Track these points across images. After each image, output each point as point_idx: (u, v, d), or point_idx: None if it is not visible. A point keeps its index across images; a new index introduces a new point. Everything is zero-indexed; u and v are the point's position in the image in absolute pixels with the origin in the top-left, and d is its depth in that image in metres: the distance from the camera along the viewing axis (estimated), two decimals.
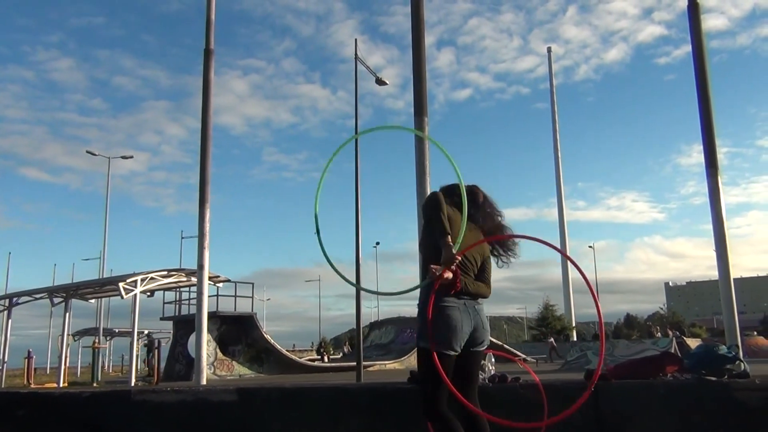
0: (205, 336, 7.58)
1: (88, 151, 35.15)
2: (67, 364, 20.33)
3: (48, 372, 43.53)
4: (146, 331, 32.81)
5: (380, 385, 5.60)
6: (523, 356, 31.68)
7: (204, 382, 7.07)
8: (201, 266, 7.60)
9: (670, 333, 36.49)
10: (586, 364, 23.56)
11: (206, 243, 7.63)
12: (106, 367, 28.59)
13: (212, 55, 8.16)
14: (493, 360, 5.56)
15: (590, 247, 64.72)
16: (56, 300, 17.22)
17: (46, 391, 5.82)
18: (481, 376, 5.27)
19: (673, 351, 21.63)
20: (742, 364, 5.18)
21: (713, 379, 4.92)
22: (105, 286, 17.59)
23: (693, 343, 30.99)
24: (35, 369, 44.06)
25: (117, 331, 34.77)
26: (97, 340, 20.58)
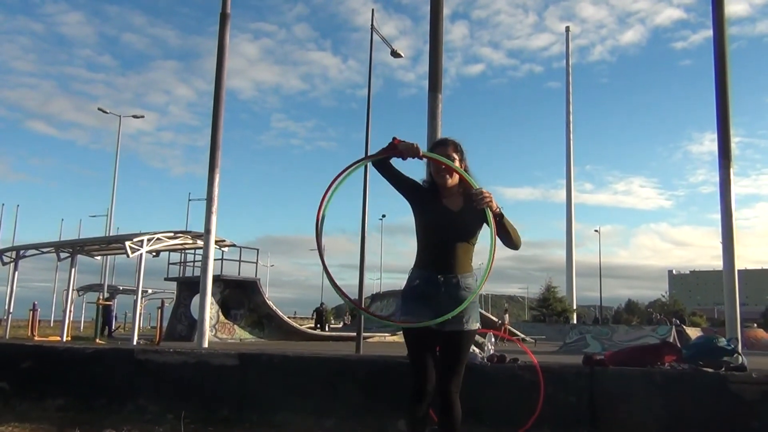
0: (209, 299, 7.65)
1: (99, 109, 35.12)
2: (71, 319, 20.57)
3: (52, 324, 44.05)
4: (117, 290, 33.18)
5: (378, 358, 5.66)
6: (522, 336, 31.82)
7: (206, 345, 7.15)
8: (208, 230, 7.64)
9: (669, 323, 36.61)
10: (585, 347, 23.63)
11: (214, 208, 7.66)
12: (112, 321, 28.85)
13: (228, 20, 8.10)
14: (493, 339, 5.62)
15: (596, 231, 64.34)
16: (62, 255, 17.36)
17: (51, 344, 5.92)
18: (479, 356, 5.33)
19: (672, 339, 21.69)
20: (740, 357, 5.22)
21: (710, 370, 4.96)
22: (111, 243, 17.70)
23: (693, 332, 31.07)
24: (39, 321, 44.72)
25: (121, 288, 34.99)
26: (101, 296, 20.76)
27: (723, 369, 5.00)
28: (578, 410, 4.99)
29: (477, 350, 5.35)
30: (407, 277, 3.47)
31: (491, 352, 5.45)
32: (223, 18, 8.00)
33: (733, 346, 5.28)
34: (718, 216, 6.94)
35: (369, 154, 3.40)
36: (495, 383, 5.14)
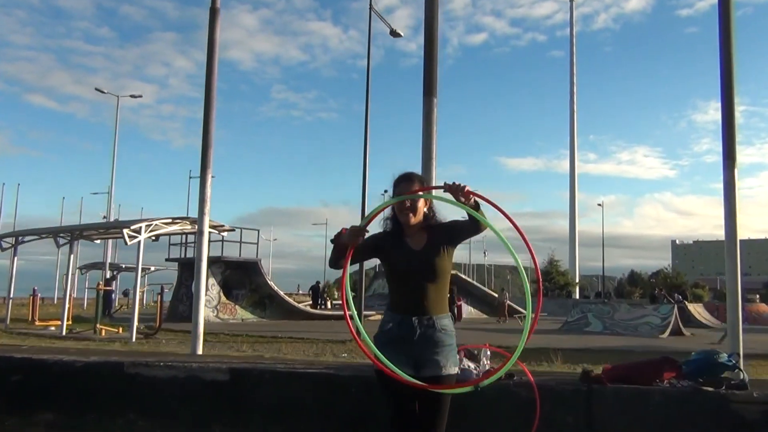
0: (203, 299, 7.53)
1: (96, 89, 34.81)
2: (72, 302, 20.56)
3: (55, 302, 44.25)
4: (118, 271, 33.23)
5: (371, 374, 5.55)
6: (523, 312, 31.72)
7: (200, 351, 7.06)
8: (201, 231, 7.49)
9: (671, 299, 36.58)
10: (586, 326, 23.72)
11: (207, 209, 7.49)
12: (115, 296, 28.94)
13: (218, 15, 7.75)
14: (488, 354, 5.50)
15: (599, 205, 64.34)
16: (61, 241, 17.29)
17: (40, 358, 5.84)
18: (474, 371, 5.21)
19: (673, 318, 21.72)
20: (741, 372, 5.10)
21: (710, 389, 4.84)
22: (110, 229, 17.63)
23: (695, 308, 31.13)
24: (42, 299, 44.94)
25: (124, 266, 35.06)
26: (101, 282, 20.74)
27: (724, 387, 4.88)
28: (575, 430, 4.90)
29: (472, 365, 5.24)
30: (380, 320, 3.35)
31: (486, 367, 5.33)
32: (213, 13, 7.69)
33: (734, 361, 5.15)
34: (721, 185, 6.71)
35: (335, 254, 3.26)
36: (489, 401, 5.02)
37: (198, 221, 7.57)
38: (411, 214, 3.28)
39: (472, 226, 3.22)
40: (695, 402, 4.79)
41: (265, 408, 5.34)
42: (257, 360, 6.48)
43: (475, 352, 5.62)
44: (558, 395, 4.98)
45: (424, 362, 3.18)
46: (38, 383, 5.83)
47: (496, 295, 34.01)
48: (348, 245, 3.16)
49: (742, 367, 5.22)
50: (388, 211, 3.41)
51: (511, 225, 3.15)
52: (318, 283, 39.65)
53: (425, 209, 3.36)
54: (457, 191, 3.05)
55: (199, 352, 6.98)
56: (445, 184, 3.12)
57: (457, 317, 20.89)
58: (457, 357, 3.33)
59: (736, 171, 6.54)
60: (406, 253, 3.26)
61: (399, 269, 3.29)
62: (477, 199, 3.09)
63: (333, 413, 5.21)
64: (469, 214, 3.14)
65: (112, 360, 5.92)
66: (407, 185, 3.32)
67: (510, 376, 5.20)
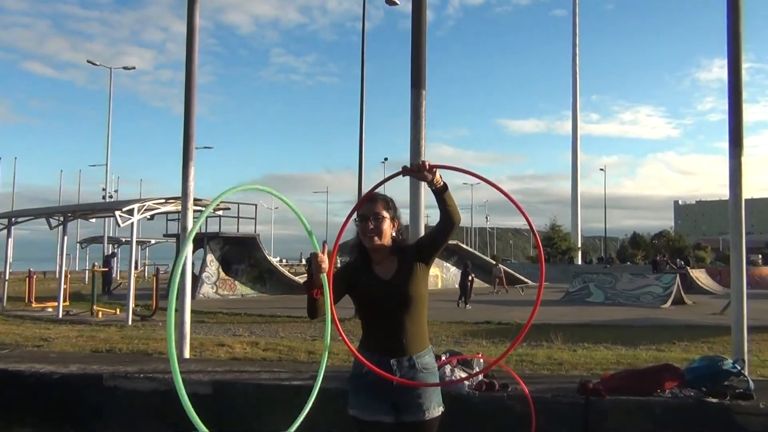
0: (189, 316, 7.28)
1: (89, 61, 34.11)
2: (69, 282, 20.42)
3: (57, 276, 44.19)
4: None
5: None
6: (525, 282, 31.65)
7: (187, 354, 6.83)
8: (185, 228, 7.20)
9: (673, 265, 36.41)
10: (588, 296, 23.56)
11: (190, 204, 7.18)
12: (114, 274, 28.80)
13: (197, 1, 7.42)
14: (482, 363, 5.27)
15: (601, 170, 64.18)
16: (54, 223, 17.05)
17: (16, 369, 5.65)
18: (466, 384, 4.98)
19: (675, 287, 21.52)
20: (746, 379, 4.86)
21: (714, 401, 4.60)
22: (102, 211, 17.38)
23: (697, 274, 30.93)
24: (44, 273, 45.02)
25: (124, 240, 34.91)
26: (97, 264, 20.57)
27: (728, 397, 4.65)
28: None
29: (464, 376, 5.00)
30: (353, 361, 3.03)
31: (480, 377, 5.09)
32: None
33: (739, 368, 4.90)
34: (725, 144, 6.37)
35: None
36: (483, 415, 4.81)
37: (181, 216, 7.28)
38: (375, 237, 2.96)
39: (444, 221, 2.92)
40: (698, 414, 4.56)
41: (250, 420, 5.14)
42: (243, 366, 6.25)
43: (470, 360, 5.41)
44: (554, 409, 4.75)
45: (405, 407, 2.90)
46: (14, 396, 5.63)
47: (494, 261, 33.85)
48: (315, 277, 2.82)
49: (747, 374, 4.98)
50: (354, 239, 3.11)
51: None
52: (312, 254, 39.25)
53: (393, 232, 3.05)
54: (418, 171, 2.79)
55: (186, 355, 6.75)
56: (403, 168, 2.86)
57: (468, 295, 20.79)
58: (440, 396, 3.05)
59: (743, 159, 6.21)
60: (375, 283, 2.95)
61: (369, 303, 2.97)
62: (445, 178, 2.85)
63: (317, 428, 5.00)
64: (439, 202, 2.87)
65: (91, 372, 5.69)
66: (370, 205, 3.01)
67: (504, 387, 4.98)
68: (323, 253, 2.84)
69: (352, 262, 3.11)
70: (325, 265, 2.81)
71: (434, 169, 2.81)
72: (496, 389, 4.95)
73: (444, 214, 2.92)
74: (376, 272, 2.99)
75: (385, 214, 3.00)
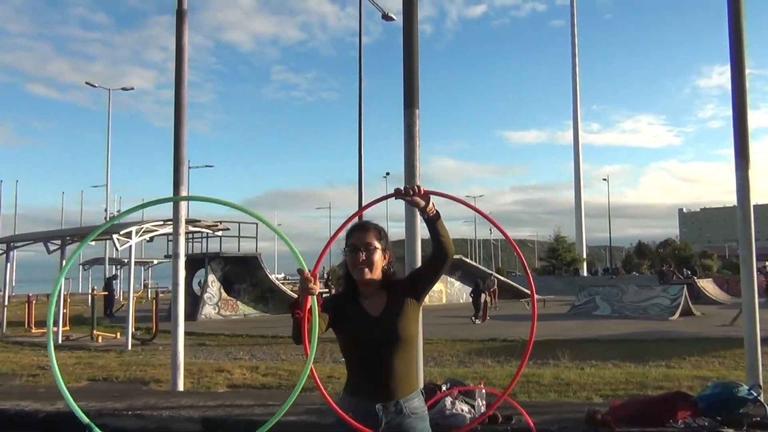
0: (182, 341, 7.07)
1: (87, 83, 34.15)
2: (69, 307, 20.22)
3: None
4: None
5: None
6: (529, 296, 31.26)
7: (181, 388, 6.59)
8: (176, 254, 7.01)
9: (679, 275, 36.05)
10: (594, 309, 23.23)
11: (181, 229, 7.01)
12: (117, 295, 28.59)
13: (186, 17, 7.17)
14: (484, 394, 5.03)
15: (604, 180, 64.10)
16: (52, 247, 16.89)
17: (2, 408, 5.40)
18: (468, 415, 4.75)
19: (683, 299, 21.19)
20: (763, 406, 4.62)
21: (730, 430, 4.36)
22: (100, 234, 17.19)
23: (704, 284, 30.58)
24: (47, 295, 44.80)
25: (126, 261, 34.68)
26: (96, 288, 20.39)
27: (745, 426, 4.40)
28: None
29: (466, 409, 4.77)
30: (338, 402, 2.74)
31: (482, 408, 4.86)
32: (180, 15, 7.12)
33: (755, 394, 4.66)
34: (727, 151, 6.20)
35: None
36: None
37: (173, 243, 7.08)
38: (366, 269, 2.75)
39: (436, 254, 2.71)
40: None
41: None
42: (238, 398, 6.02)
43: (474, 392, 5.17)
44: None
45: None
46: None
47: (490, 271, 33.58)
48: (300, 301, 2.51)
49: (763, 401, 4.73)
50: (343, 269, 2.89)
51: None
52: (333, 268, 38.96)
53: (384, 265, 2.84)
54: (410, 195, 2.59)
55: (180, 387, 6.52)
56: (396, 190, 2.65)
57: (484, 312, 20.68)
58: None
59: (750, 173, 6.00)
60: (363, 320, 2.71)
61: (355, 340, 2.72)
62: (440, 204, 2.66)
63: None
64: (431, 231, 2.67)
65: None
66: (361, 235, 2.80)
67: (508, 420, 4.74)
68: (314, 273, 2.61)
69: (341, 293, 2.90)
70: (313, 285, 2.50)
71: (428, 195, 2.63)
72: (500, 422, 4.72)
73: (436, 246, 2.71)
74: (364, 306, 2.76)
75: (378, 244, 2.78)
